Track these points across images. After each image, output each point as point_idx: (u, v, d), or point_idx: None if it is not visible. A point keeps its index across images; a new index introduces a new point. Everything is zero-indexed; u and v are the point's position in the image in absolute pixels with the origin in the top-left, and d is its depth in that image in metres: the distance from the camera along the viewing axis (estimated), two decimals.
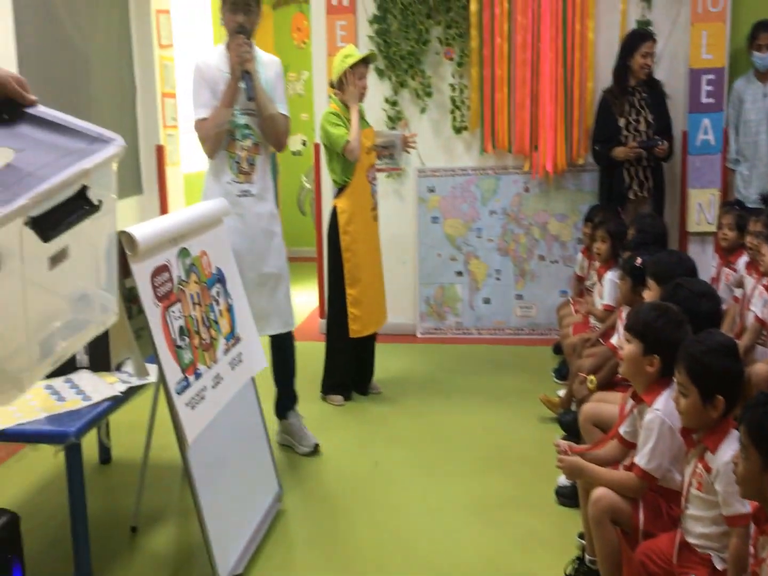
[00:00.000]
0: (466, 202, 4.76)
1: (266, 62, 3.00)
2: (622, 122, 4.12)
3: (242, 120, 2.91)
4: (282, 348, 3.17)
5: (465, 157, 4.75)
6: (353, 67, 3.51)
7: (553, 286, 4.74)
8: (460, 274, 4.83)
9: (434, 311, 4.87)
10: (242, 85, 2.84)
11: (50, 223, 1.14)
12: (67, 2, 3.88)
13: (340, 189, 3.62)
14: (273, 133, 2.95)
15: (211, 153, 2.93)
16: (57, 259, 1.23)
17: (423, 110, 4.67)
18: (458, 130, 4.67)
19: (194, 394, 2.19)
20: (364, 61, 3.57)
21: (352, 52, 3.56)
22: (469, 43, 4.55)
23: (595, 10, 4.45)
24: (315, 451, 3.17)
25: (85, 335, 1.41)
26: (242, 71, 2.80)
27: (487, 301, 4.83)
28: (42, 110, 1.30)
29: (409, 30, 4.57)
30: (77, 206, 1.20)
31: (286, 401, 3.24)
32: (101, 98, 4.24)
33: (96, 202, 1.23)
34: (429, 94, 4.66)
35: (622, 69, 4.16)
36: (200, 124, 2.90)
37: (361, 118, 3.65)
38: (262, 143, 2.96)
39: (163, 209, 4.72)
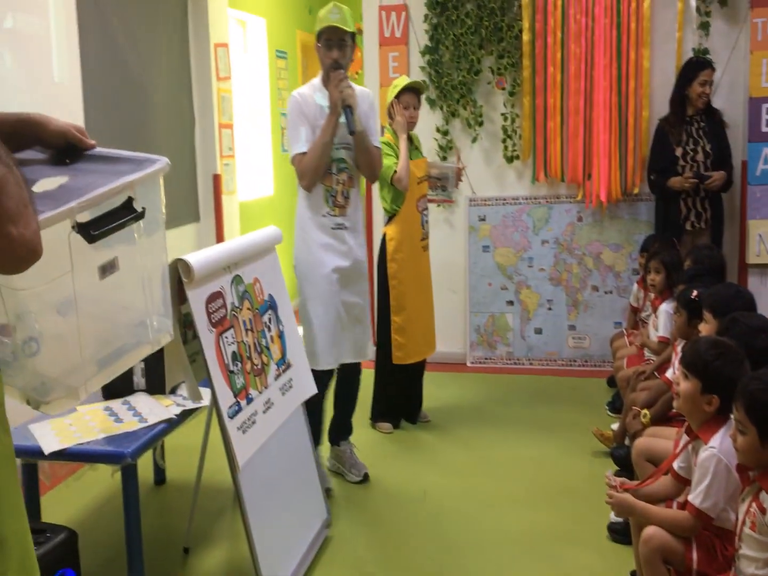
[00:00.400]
0: (517, 231, 4.77)
1: (360, 95, 3.00)
2: (679, 152, 4.09)
3: (339, 153, 2.96)
4: (350, 377, 3.23)
5: (516, 185, 4.77)
6: (399, 97, 3.59)
7: (607, 317, 4.68)
8: (510, 303, 4.82)
9: (484, 340, 4.86)
10: (343, 119, 2.87)
11: (95, 226, 1.21)
12: (130, 39, 4.08)
13: (390, 217, 3.68)
14: (369, 166, 3.01)
15: (310, 186, 2.94)
16: (106, 269, 1.30)
17: (474, 139, 4.72)
18: (510, 159, 4.70)
19: (245, 418, 2.24)
20: (412, 91, 3.64)
21: (401, 83, 3.64)
22: (521, 72, 4.60)
23: (650, 39, 4.45)
24: (365, 479, 3.19)
25: (139, 353, 1.47)
26: (344, 106, 2.83)
27: (538, 331, 4.80)
28: (98, 150, 1.39)
29: (461, 60, 4.64)
30: (122, 214, 1.27)
31: (341, 430, 3.29)
32: (162, 130, 4.42)
33: (139, 209, 1.31)
34: (480, 124, 4.71)
35: (679, 98, 4.14)
36: (300, 159, 2.92)
37: (415, 148, 3.71)
38: (355, 176, 3.02)
39: (219, 236, 4.86)
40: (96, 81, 3.78)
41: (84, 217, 1.19)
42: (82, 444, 2.19)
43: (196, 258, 2.20)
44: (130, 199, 1.29)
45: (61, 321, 1.26)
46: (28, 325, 1.21)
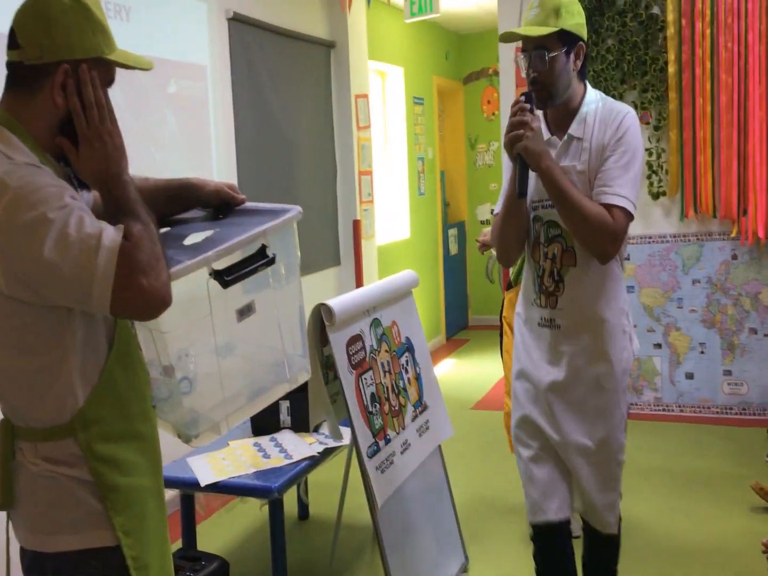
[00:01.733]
0: (665, 270, 4.65)
1: (601, 117, 2.01)
2: None
3: (542, 213, 2.05)
4: (599, 548, 2.25)
5: (663, 223, 4.66)
6: None
7: (766, 361, 4.43)
8: (658, 346, 4.68)
9: (630, 385, 4.74)
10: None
11: (229, 273, 1.35)
12: (278, 93, 4.45)
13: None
14: (580, 238, 1.95)
15: (503, 260, 2.21)
16: (244, 312, 1.45)
17: None
18: (656, 196, 4.62)
19: (384, 458, 2.37)
20: None
21: None
22: (667, 105, 4.53)
23: None
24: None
25: (277, 391, 1.59)
26: (516, 155, 1.90)
27: (689, 376, 4.62)
28: (246, 204, 1.57)
29: None
30: (254, 261, 1.39)
31: None
32: (306, 178, 4.75)
33: (270, 255, 1.42)
34: None
35: None
36: (493, 221, 2.17)
37: None
38: (577, 250, 2.00)
39: (358, 279, 5.10)
40: (247, 134, 4.16)
41: (220, 265, 1.33)
42: (234, 477, 2.39)
43: (338, 302, 2.38)
44: (263, 247, 1.41)
45: (209, 361, 1.44)
46: (184, 366, 1.40)
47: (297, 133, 4.65)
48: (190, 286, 1.32)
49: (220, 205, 1.54)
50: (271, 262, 1.41)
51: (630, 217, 1.95)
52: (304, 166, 4.73)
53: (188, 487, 2.45)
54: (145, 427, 1.35)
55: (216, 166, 3.96)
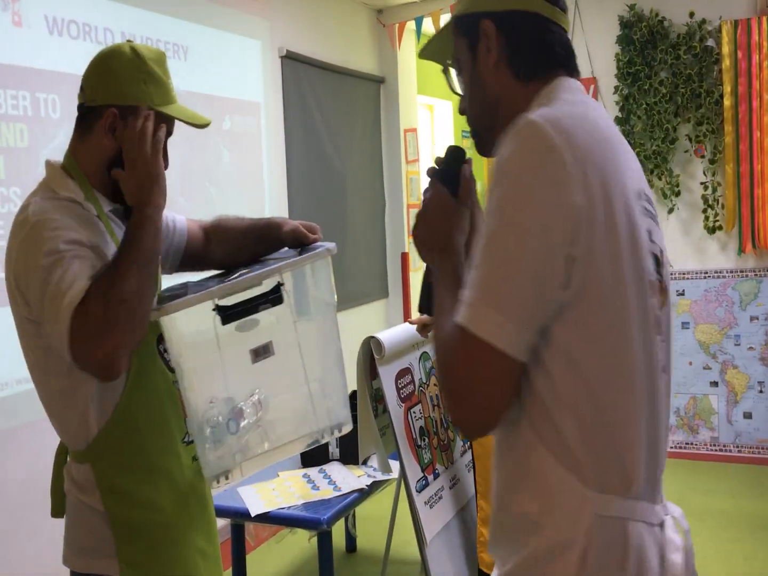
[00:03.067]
0: (721, 306, 4.60)
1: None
2: None
3: None
4: None
5: (720, 258, 4.63)
6: None
7: None
8: (714, 384, 4.61)
9: (685, 423, 4.67)
10: None
11: (232, 309, 1.30)
12: (328, 128, 4.59)
13: None
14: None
15: None
16: (260, 353, 1.39)
17: (671, 210, 4.67)
18: (711, 230, 4.59)
19: (433, 493, 2.41)
20: None
21: None
22: (722, 138, 4.53)
23: None
24: None
25: (301, 443, 1.48)
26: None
27: (747, 415, 4.54)
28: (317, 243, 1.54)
29: (655, 129, 4.66)
30: (263, 300, 1.32)
31: None
32: (355, 210, 4.87)
33: (284, 297, 1.35)
34: (677, 194, 4.66)
35: None
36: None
37: None
38: None
39: (406, 312, 5.17)
40: (298, 168, 4.30)
41: (228, 301, 1.32)
42: (283, 508, 2.46)
43: (387, 336, 2.45)
44: (278, 286, 1.36)
45: (228, 405, 1.41)
46: (214, 407, 1.40)
47: (347, 167, 4.78)
48: (208, 326, 1.32)
49: (299, 245, 1.53)
50: (277, 301, 1.35)
51: (476, 346, 0.95)
52: (353, 199, 4.85)
53: (239, 517, 2.51)
54: (169, 462, 1.38)
55: (268, 200, 4.10)
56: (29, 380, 1.39)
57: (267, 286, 1.36)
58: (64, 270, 1.22)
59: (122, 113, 1.34)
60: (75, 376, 1.29)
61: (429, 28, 5.01)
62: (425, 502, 2.37)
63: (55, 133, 2.76)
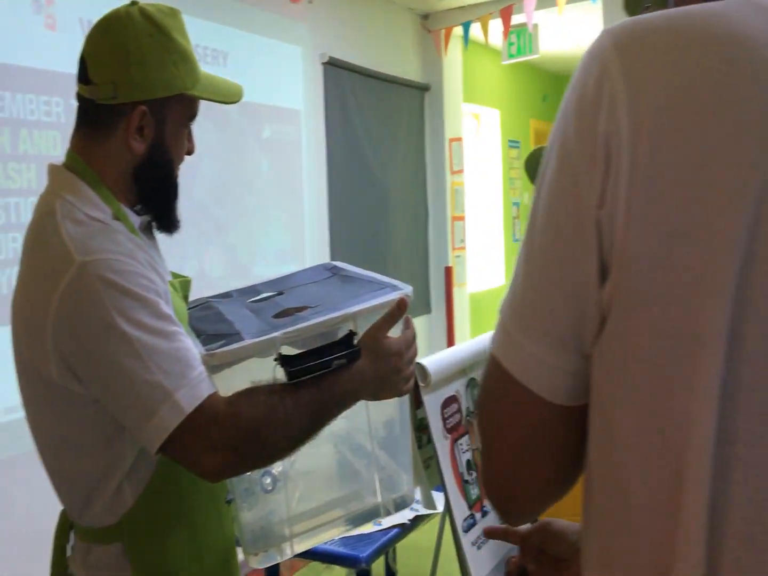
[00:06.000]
0: None
1: None
2: None
3: None
4: None
5: None
6: None
7: None
8: None
9: None
10: None
11: (300, 363, 1.03)
12: (371, 136, 4.46)
13: None
14: None
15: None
16: None
17: None
18: None
19: (481, 533, 2.24)
20: None
21: None
22: None
23: None
24: None
25: (360, 515, 1.31)
26: None
27: None
28: (352, 269, 1.39)
29: None
30: (338, 353, 1.06)
31: None
32: (397, 221, 4.73)
33: (356, 347, 1.08)
34: None
35: None
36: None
37: None
38: None
39: (450, 328, 5.01)
40: (339, 177, 4.18)
41: (291, 350, 1.07)
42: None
43: (433, 361, 2.28)
44: (350, 334, 1.08)
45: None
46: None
47: (389, 176, 4.64)
48: (263, 375, 1.08)
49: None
50: (355, 356, 1.07)
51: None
52: (395, 210, 4.71)
53: None
54: (212, 525, 1.17)
55: (307, 210, 3.98)
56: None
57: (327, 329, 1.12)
58: (173, 346, 0.99)
59: (151, 109, 1.09)
60: (116, 449, 1.06)
61: (477, 34, 4.86)
62: (472, 543, 2.19)
63: None
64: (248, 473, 1.19)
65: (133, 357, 0.97)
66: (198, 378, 0.99)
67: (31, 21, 2.55)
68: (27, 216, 2.49)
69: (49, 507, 1.25)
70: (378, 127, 4.54)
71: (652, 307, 0.60)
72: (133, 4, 1.13)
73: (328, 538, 1.32)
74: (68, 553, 1.15)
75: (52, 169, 1.12)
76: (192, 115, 1.17)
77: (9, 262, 2.46)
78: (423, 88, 5.05)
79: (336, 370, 1.05)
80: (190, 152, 1.19)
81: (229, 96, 1.20)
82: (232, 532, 1.22)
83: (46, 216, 1.05)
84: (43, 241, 1.04)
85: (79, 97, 1.12)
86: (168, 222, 1.18)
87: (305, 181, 3.96)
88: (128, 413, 1.00)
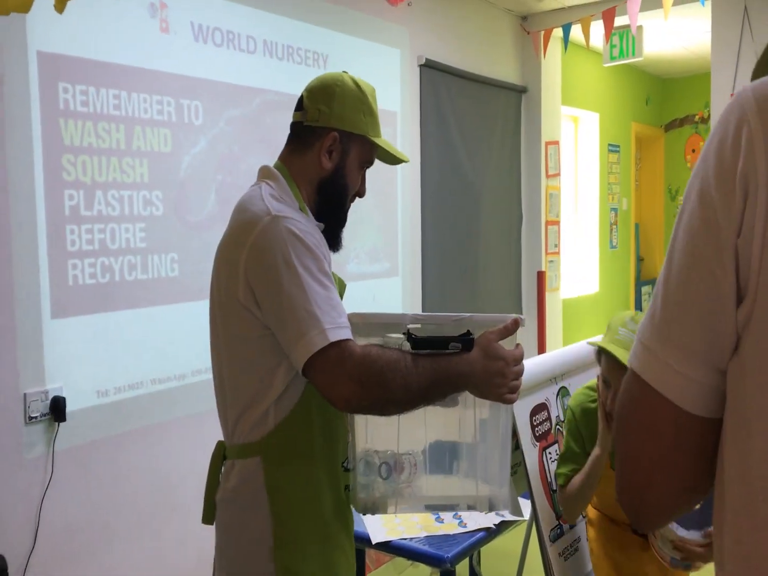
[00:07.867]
0: None
1: None
2: None
3: None
4: None
5: None
6: None
7: None
8: None
9: None
10: None
11: (422, 340, 1.30)
12: (465, 139, 4.45)
13: None
14: None
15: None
16: (448, 401, 1.37)
17: None
18: None
19: (568, 544, 2.21)
20: None
21: None
22: None
23: None
24: None
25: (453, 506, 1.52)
26: None
27: None
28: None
29: None
30: (454, 338, 1.30)
31: None
32: (490, 224, 4.70)
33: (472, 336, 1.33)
34: None
35: None
36: None
37: None
38: None
39: (541, 333, 4.94)
40: (433, 179, 4.19)
41: (417, 330, 1.34)
42: (405, 539, 2.33)
43: (525, 366, 2.27)
44: (468, 333, 1.32)
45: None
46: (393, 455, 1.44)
47: (483, 178, 4.62)
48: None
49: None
50: (469, 345, 1.30)
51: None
52: (488, 212, 4.68)
53: (359, 542, 2.42)
54: (329, 476, 1.40)
55: (401, 211, 4.01)
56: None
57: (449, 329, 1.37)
58: (330, 295, 1.27)
59: (342, 138, 1.44)
60: (272, 378, 1.33)
61: (578, 35, 4.78)
62: (560, 554, 2.17)
63: (196, 139, 2.78)
64: (367, 450, 1.42)
65: (300, 290, 1.25)
66: (343, 324, 1.26)
67: (147, 25, 2.67)
68: (138, 209, 2.62)
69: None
70: (473, 129, 4.53)
71: None
72: (344, 72, 1.52)
73: (425, 511, 1.52)
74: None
75: (263, 168, 1.48)
76: (369, 160, 1.50)
77: (122, 251, 2.58)
78: (520, 91, 5.00)
79: (451, 354, 1.28)
80: (361, 194, 1.52)
81: (398, 156, 1.52)
82: (342, 493, 1.44)
83: (252, 191, 1.41)
84: (249, 203, 1.37)
85: (293, 122, 1.49)
86: (333, 241, 1.48)
87: (399, 182, 3.99)
88: (287, 332, 1.26)
